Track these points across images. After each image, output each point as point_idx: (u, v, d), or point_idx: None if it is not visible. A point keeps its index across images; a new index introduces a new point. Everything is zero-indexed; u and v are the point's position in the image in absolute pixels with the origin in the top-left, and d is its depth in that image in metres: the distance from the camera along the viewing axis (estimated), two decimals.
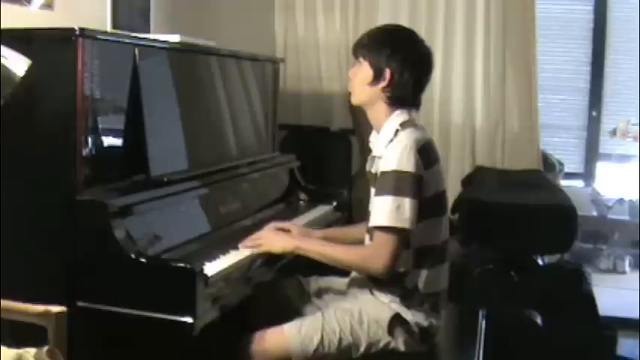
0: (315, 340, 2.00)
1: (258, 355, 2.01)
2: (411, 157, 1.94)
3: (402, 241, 1.95)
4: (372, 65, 2.07)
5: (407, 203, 1.92)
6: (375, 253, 1.97)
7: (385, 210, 1.93)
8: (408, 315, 2.04)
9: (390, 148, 1.99)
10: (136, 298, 1.84)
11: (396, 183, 1.93)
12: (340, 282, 2.27)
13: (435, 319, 2.07)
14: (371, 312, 2.05)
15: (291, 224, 2.40)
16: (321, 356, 2.01)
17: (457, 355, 2.23)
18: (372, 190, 2.09)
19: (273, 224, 2.34)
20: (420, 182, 1.95)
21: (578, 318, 3.12)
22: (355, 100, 2.14)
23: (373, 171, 2.09)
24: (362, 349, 2.03)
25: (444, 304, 2.13)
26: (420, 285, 2.04)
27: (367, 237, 2.12)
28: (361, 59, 2.10)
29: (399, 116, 2.06)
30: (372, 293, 2.11)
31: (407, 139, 1.97)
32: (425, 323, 2.05)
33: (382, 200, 1.95)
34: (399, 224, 1.92)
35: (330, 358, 2.03)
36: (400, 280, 2.04)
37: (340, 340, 2.01)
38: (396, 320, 2.03)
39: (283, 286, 2.33)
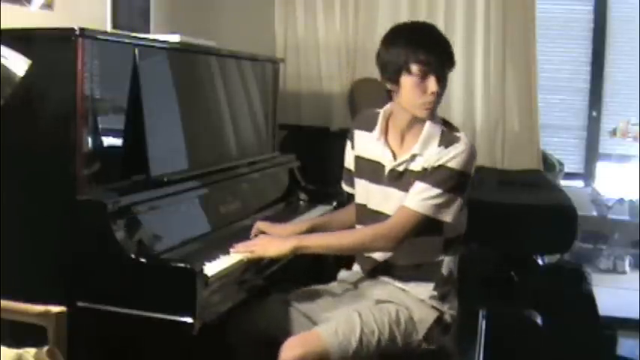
0: (354, 342, 1.96)
1: None
2: (472, 162, 2.02)
3: (421, 227, 2.00)
4: (446, 75, 2.03)
5: (458, 202, 2.01)
6: (395, 227, 2.01)
7: (434, 201, 1.98)
8: (444, 307, 2.09)
9: (452, 148, 2.00)
10: (135, 298, 1.84)
11: (456, 182, 1.99)
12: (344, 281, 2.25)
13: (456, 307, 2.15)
14: (411, 312, 2.05)
15: (277, 226, 2.30)
16: (359, 357, 1.98)
17: (457, 355, 2.23)
18: (392, 190, 2.08)
19: (261, 224, 2.28)
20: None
21: (578, 318, 3.12)
22: (434, 112, 2.05)
23: (401, 169, 2.07)
24: (398, 346, 2.03)
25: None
26: (454, 270, 2.13)
27: None
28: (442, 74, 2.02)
29: (436, 116, 2.08)
30: (403, 290, 2.11)
31: (465, 143, 2.02)
32: (455, 312, 2.12)
33: (436, 193, 1.98)
34: (447, 218, 2.01)
35: (368, 356, 2.00)
36: (436, 271, 2.10)
37: (378, 341, 1.99)
38: (436, 323, 2.07)
39: (265, 309, 2.15)
